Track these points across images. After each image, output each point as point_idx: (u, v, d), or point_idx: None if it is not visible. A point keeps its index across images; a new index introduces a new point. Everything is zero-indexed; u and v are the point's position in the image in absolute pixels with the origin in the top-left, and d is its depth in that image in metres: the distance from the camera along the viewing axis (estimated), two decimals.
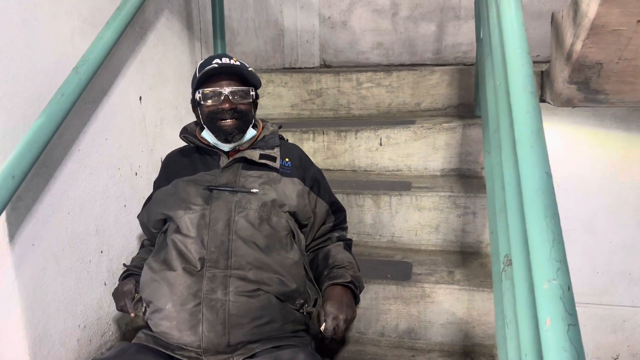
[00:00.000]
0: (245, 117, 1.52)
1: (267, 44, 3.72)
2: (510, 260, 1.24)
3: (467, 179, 2.08)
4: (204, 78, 1.49)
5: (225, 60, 1.52)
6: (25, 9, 1.37)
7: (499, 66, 1.44)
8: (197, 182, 1.51)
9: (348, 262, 1.54)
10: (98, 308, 1.71)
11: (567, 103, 2.17)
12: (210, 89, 1.49)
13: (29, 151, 1.24)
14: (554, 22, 2.24)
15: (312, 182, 1.61)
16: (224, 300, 1.32)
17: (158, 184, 1.62)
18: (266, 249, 1.41)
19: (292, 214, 1.53)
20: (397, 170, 2.22)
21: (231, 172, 1.52)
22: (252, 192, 1.47)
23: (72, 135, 1.58)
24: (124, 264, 1.61)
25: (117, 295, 1.51)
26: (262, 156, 1.55)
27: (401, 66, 3.60)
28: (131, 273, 1.57)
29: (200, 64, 1.54)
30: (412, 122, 2.22)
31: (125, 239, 1.87)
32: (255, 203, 1.45)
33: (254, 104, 1.57)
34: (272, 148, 1.60)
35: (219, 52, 2.47)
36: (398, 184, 2.03)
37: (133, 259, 1.64)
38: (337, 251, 1.59)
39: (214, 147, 1.57)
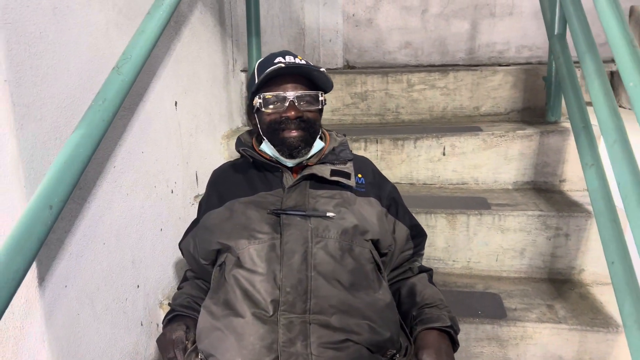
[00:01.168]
0: (312, 127, 1.27)
1: (290, 43, 3.47)
2: None
3: (547, 194, 1.83)
4: (266, 80, 1.23)
5: (289, 58, 1.26)
6: None
7: (630, 64, 1.19)
8: (258, 205, 1.24)
9: (439, 300, 1.29)
10: (135, 354, 1.44)
11: None
12: (273, 93, 1.23)
13: (68, 173, 0.97)
14: (634, 16, 2.00)
15: (389, 201, 1.36)
16: (305, 354, 1.06)
17: (206, 205, 1.35)
18: (352, 288, 1.16)
19: (375, 242, 1.27)
20: (463, 184, 1.96)
21: (298, 193, 1.26)
22: (328, 216, 1.21)
23: (107, 150, 1.31)
24: (169, 304, 1.34)
25: (164, 344, 1.23)
26: (333, 172, 1.29)
27: (432, 67, 3.36)
28: (178, 314, 1.30)
29: (260, 63, 1.28)
30: (479, 129, 1.96)
31: (162, 269, 1.59)
32: (334, 230, 1.20)
33: (321, 111, 1.32)
34: (345, 162, 1.34)
35: (254, 50, 2.20)
36: (471, 200, 1.78)
37: (176, 295, 1.37)
38: (423, 285, 1.33)
39: (276, 162, 1.30)
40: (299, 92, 1.22)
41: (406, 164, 1.98)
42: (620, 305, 1.22)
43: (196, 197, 1.82)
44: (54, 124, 1.09)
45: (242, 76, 2.35)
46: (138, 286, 1.46)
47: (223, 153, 2.10)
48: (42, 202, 0.91)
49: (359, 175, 1.35)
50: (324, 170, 1.28)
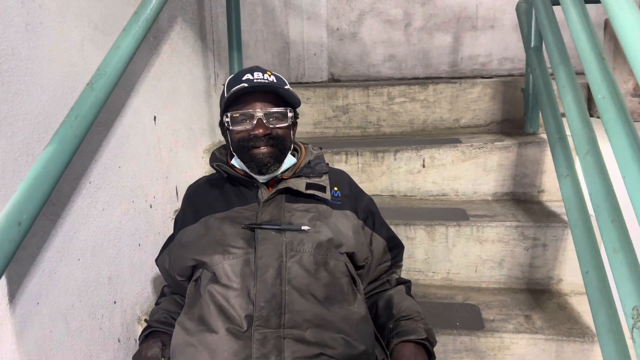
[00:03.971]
0: (282, 143, 1.26)
1: (274, 58, 3.49)
2: None
3: (526, 205, 1.84)
4: (233, 98, 1.23)
5: (257, 75, 1.26)
6: (29, 11, 1.09)
7: (599, 76, 1.21)
8: (233, 220, 1.24)
9: (416, 312, 1.29)
10: None
11: None
12: (239, 111, 1.23)
13: (38, 189, 0.96)
14: (609, 30, 2.04)
15: (365, 214, 1.36)
16: None
17: (181, 222, 1.34)
18: (326, 302, 1.16)
19: (350, 255, 1.27)
20: (443, 195, 1.97)
21: (274, 206, 1.25)
22: (303, 229, 1.21)
23: (82, 165, 1.30)
24: (145, 320, 1.33)
25: None
26: (309, 186, 1.29)
27: (415, 79, 3.40)
28: (154, 330, 1.29)
29: (229, 80, 1.28)
30: (458, 141, 1.98)
31: (140, 285, 1.58)
32: (309, 244, 1.19)
33: (293, 126, 1.32)
34: (320, 175, 1.34)
35: (235, 64, 2.22)
36: (450, 212, 1.79)
37: (153, 311, 1.36)
38: (400, 298, 1.33)
39: (251, 177, 1.31)
40: (267, 110, 1.22)
41: (387, 176, 2.00)
42: (594, 314, 1.23)
43: (176, 211, 1.82)
44: (26, 140, 1.09)
45: None
46: (115, 302, 1.45)
47: (204, 167, 2.10)
48: (10, 219, 0.91)
49: (335, 188, 1.35)
50: (299, 184, 1.28)
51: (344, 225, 1.27)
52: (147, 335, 1.28)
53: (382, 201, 1.98)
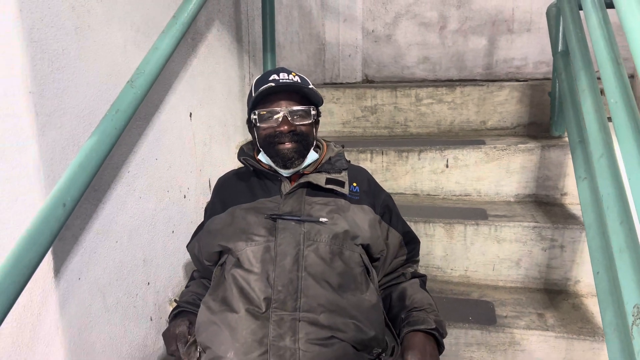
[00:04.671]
0: (305, 139, 1.35)
1: (310, 58, 3.58)
2: None
3: (547, 207, 1.87)
4: (260, 97, 1.33)
5: (283, 75, 1.35)
6: (78, 15, 1.22)
7: (614, 81, 1.24)
8: (257, 210, 1.33)
9: (428, 304, 1.35)
10: (143, 347, 1.54)
11: None
12: (266, 109, 1.32)
13: (81, 175, 1.08)
14: None
15: (383, 209, 1.43)
16: (293, 349, 1.14)
17: (211, 211, 1.44)
18: (340, 289, 1.23)
19: (365, 247, 1.34)
20: (465, 195, 2.01)
21: (295, 199, 1.34)
22: (321, 221, 1.29)
23: (122, 156, 1.43)
24: (175, 300, 1.44)
25: (168, 337, 1.33)
26: (328, 181, 1.37)
27: (450, 81, 3.41)
28: (182, 310, 1.40)
29: (257, 81, 1.37)
30: (482, 142, 2.02)
31: (172, 269, 1.70)
32: (326, 235, 1.27)
33: (316, 123, 1.41)
34: (340, 171, 1.42)
35: (269, 65, 2.32)
36: (471, 211, 1.83)
37: (183, 293, 1.47)
38: (413, 290, 1.39)
39: (275, 171, 1.39)
40: (292, 108, 1.31)
41: (410, 175, 2.05)
42: (602, 313, 1.26)
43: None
44: (73, 132, 1.21)
45: None
46: (148, 283, 1.57)
47: (236, 162, 2.20)
48: (56, 200, 1.03)
49: (354, 184, 1.42)
50: (320, 179, 1.36)
51: (361, 218, 1.34)
52: (176, 315, 1.39)
53: (405, 200, 2.04)
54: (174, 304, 1.47)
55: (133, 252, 1.48)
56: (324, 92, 2.48)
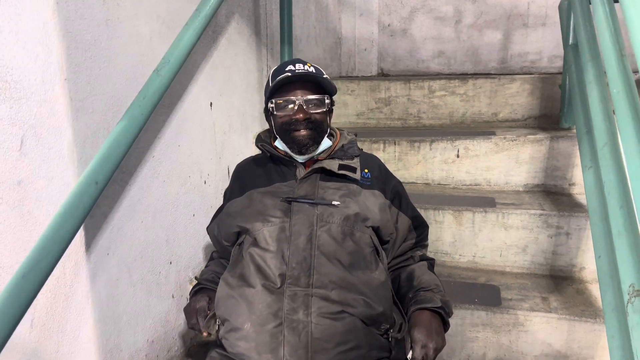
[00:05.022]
0: (319, 127, 1.42)
1: (326, 52, 3.65)
2: (639, 290, 1.10)
3: (555, 196, 1.92)
4: (277, 86, 1.40)
5: (299, 66, 1.42)
6: (108, 8, 1.31)
7: (617, 72, 1.29)
8: (273, 194, 1.41)
9: (435, 285, 1.41)
10: (165, 322, 1.64)
11: None
12: (283, 98, 1.40)
13: (112, 156, 1.17)
14: None
15: (393, 194, 1.50)
16: (306, 322, 1.22)
17: (230, 194, 1.53)
18: (350, 267, 1.31)
19: (375, 230, 1.41)
20: (475, 185, 2.07)
21: (309, 184, 1.41)
22: (334, 204, 1.36)
23: (148, 141, 1.52)
24: (195, 277, 1.53)
25: (189, 312, 1.42)
26: (341, 167, 1.44)
27: (464, 75, 3.46)
28: (203, 287, 1.49)
29: (274, 71, 1.45)
30: (493, 133, 2.07)
31: (193, 250, 1.79)
32: (338, 216, 1.35)
33: (329, 112, 1.48)
34: (352, 158, 1.49)
35: (286, 58, 2.39)
36: (480, 200, 1.89)
37: (203, 272, 1.56)
38: (421, 272, 1.46)
39: (290, 157, 1.47)
40: (307, 97, 1.38)
41: (422, 165, 2.11)
42: (602, 295, 1.32)
43: None
44: (103, 117, 1.31)
45: None
46: (171, 263, 1.66)
47: (254, 150, 2.29)
48: (89, 178, 1.12)
49: (366, 170, 1.49)
50: (333, 165, 1.43)
51: (372, 202, 1.41)
52: (197, 291, 1.48)
53: (417, 188, 2.10)
54: (195, 283, 1.56)
55: (157, 232, 1.57)
56: (338, 85, 2.55)
